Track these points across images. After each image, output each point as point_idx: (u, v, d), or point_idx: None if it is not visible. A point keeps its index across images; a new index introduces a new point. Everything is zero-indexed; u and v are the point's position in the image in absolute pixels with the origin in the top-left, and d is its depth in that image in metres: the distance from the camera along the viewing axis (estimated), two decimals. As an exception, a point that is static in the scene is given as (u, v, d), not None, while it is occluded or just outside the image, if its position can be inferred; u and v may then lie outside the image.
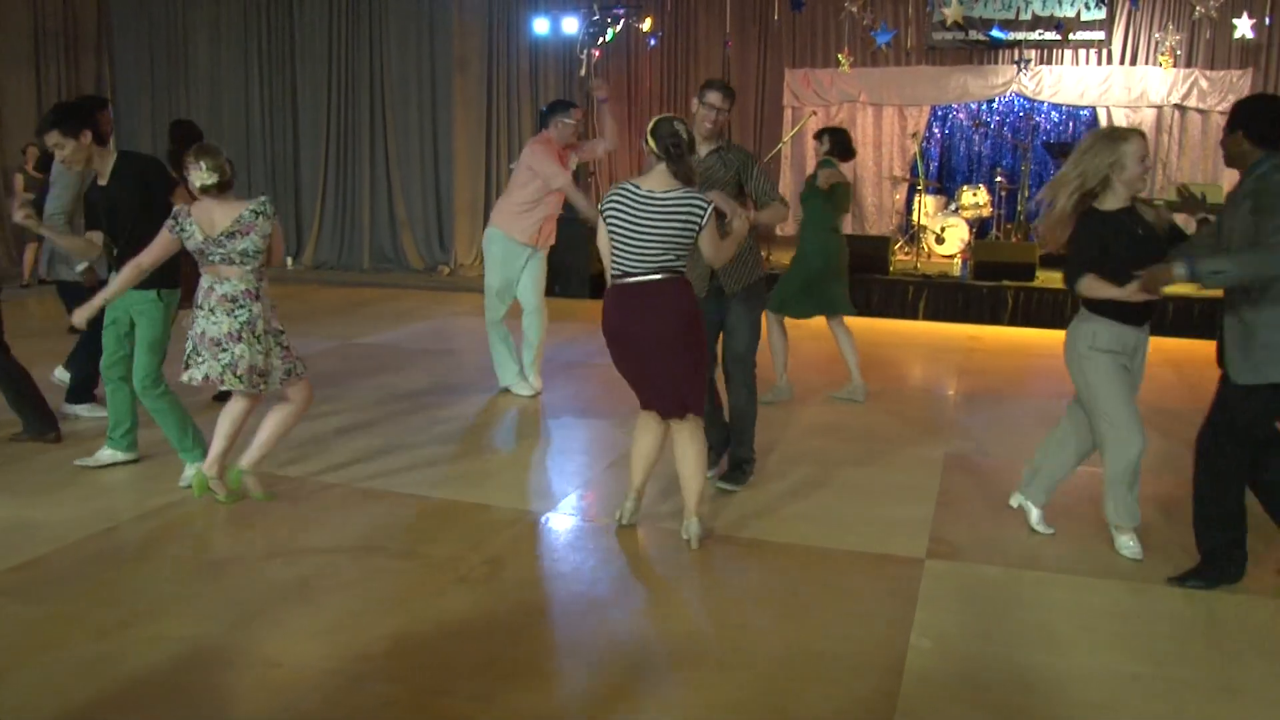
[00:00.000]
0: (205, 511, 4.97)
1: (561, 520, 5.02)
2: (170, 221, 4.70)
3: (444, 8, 13.75)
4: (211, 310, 4.68)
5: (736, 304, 5.21)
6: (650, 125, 4.45)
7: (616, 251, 4.44)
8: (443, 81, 13.94)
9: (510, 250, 7.16)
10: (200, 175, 4.60)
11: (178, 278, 5.28)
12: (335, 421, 6.52)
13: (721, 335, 5.27)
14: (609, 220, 4.43)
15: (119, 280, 4.89)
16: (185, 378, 4.76)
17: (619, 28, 12.76)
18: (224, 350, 4.67)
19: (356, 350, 8.90)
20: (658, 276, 4.39)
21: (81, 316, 4.91)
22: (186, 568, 4.31)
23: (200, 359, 4.70)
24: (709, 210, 4.37)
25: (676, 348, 4.44)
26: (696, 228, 4.37)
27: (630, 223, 4.38)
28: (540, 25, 12.69)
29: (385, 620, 3.85)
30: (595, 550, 4.70)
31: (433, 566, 4.37)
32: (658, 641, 3.79)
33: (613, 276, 4.51)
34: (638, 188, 4.42)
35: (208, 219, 4.65)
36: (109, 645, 3.62)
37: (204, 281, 4.74)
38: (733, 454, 5.46)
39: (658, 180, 4.41)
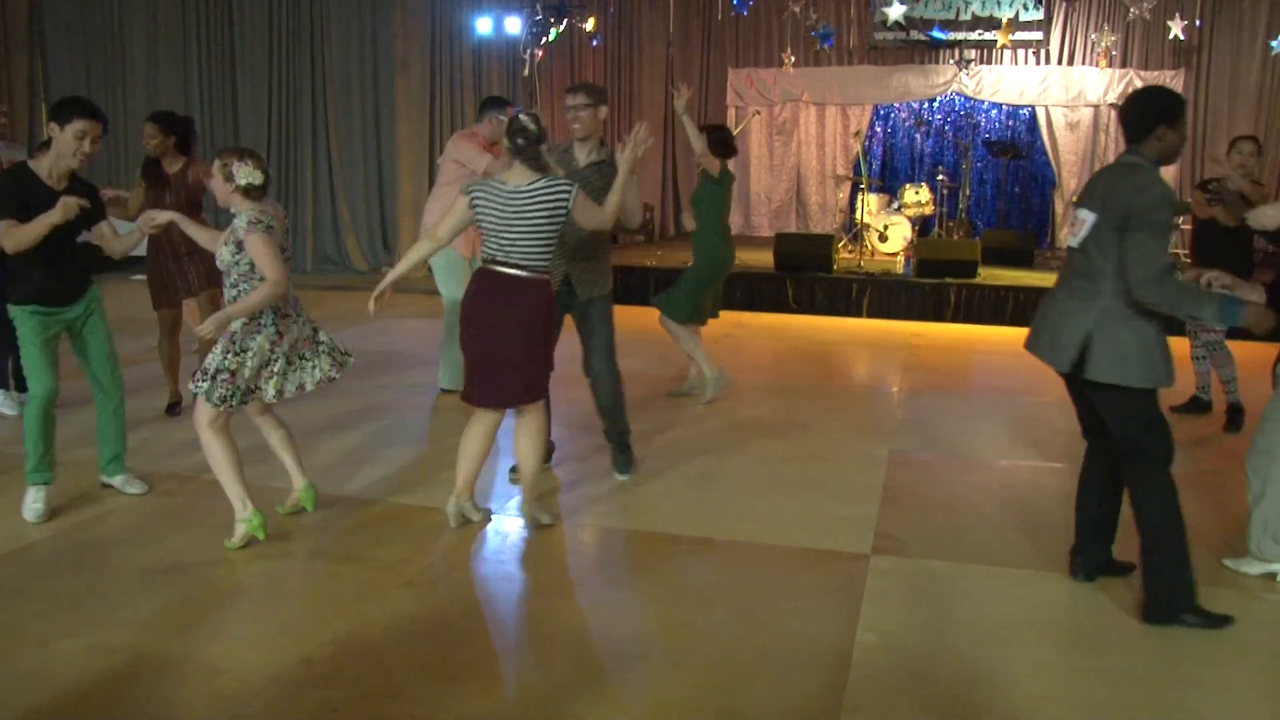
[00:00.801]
0: (145, 518, 4.89)
1: (507, 521, 4.99)
2: (258, 223, 4.35)
3: (386, 7, 13.65)
4: (299, 314, 4.62)
5: (592, 309, 5.34)
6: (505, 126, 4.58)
7: (487, 239, 4.54)
8: (385, 82, 13.83)
9: (462, 265, 7.17)
10: (248, 174, 4.39)
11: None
12: (278, 425, 6.44)
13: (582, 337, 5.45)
14: (477, 209, 4.50)
15: (255, 299, 4.40)
16: (294, 386, 4.61)
17: (562, 27, 12.74)
18: (323, 341, 4.70)
19: (300, 353, 8.80)
20: (521, 273, 4.49)
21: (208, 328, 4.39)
22: (127, 575, 4.24)
23: (310, 360, 4.64)
24: (575, 190, 4.51)
25: (531, 342, 4.58)
26: (565, 210, 4.49)
27: (498, 217, 4.46)
28: (483, 25, 12.62)
29: (330, 625, 3.81)
30: (541, 551, 4.69)
31: (378, 570, 4.33)
32: (605, 641, 3.79)
33: (483, 258, 4.58)
34: (504, 184, 4.49)
35: (275, 218, 4.51)
36: (49, 655, 3.55)
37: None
38: (611, 436, 5.62)
39: (518, 174, 4.50)
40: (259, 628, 3.80)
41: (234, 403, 4.45)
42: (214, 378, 4.40)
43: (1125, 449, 3.99)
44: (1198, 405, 7.05)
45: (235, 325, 4.41)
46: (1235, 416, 6.72)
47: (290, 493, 4.94)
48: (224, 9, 14.21)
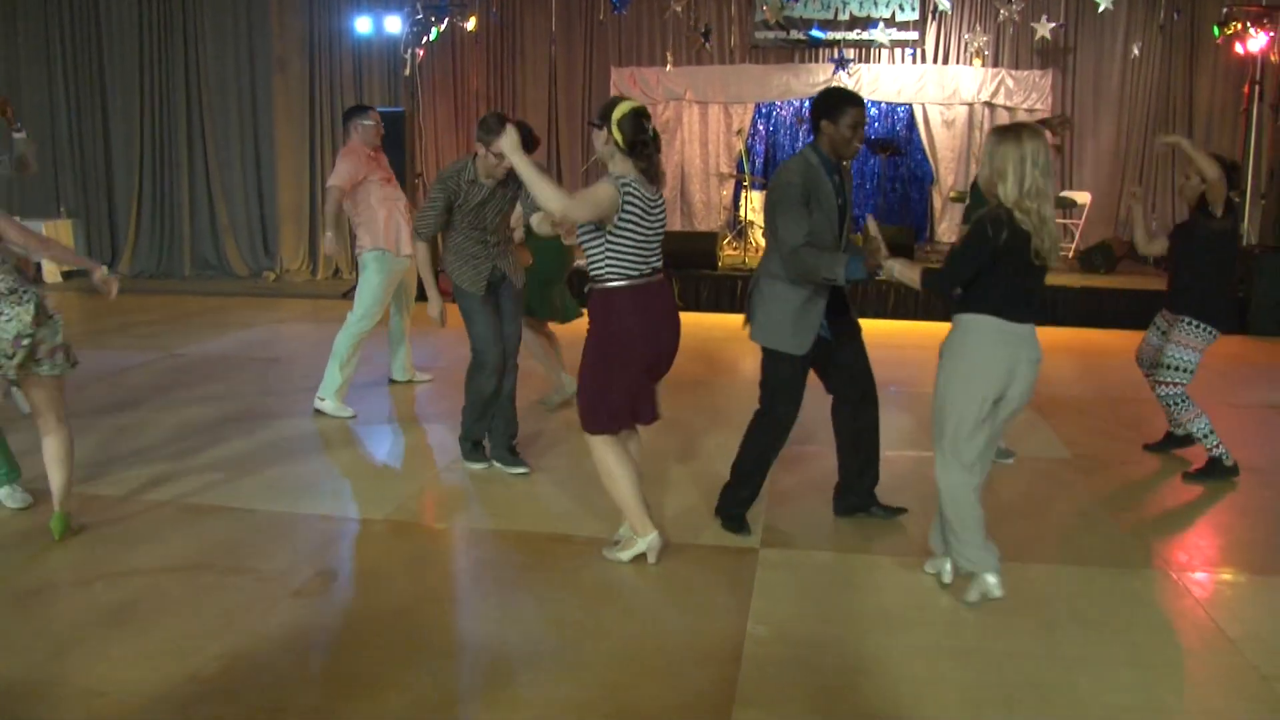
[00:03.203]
0: (15, 537, 4.71)
1: (397, 526, 4.95)
2: None
3: (261, 5, 13.37)
4: None
5: (514, 294, 5.70)
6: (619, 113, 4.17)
7: (634, 251, 4.21)
8: (262, 82, 13.54)
9: (393, 266, 6.92)
10: None
11: None
12: (157, 435, 6.28)
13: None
14: (629, 214, 4.15)
15: None
16: None
17: (443, 26, 12.63)
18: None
19: (179, 361, 8.59)
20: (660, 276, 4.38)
21: None
22: (-2, 597, 4.09)
23: None
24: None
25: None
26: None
27: (648, 227, 4.24)
28: (362, 24, 12.44)
29: (216, 640, 3.73)
30: (432, 556, 4.66)
31: (265, 581, 4.25)
32: (497, 645, 3.78)
33: (632, 274, 4.24)
34: (646, 192, 4.21)
35: None
36: (-86, 684, 3.41)
37: None
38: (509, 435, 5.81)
39: (646, 183, 4.24)
40: (141, 645, 3.69)
41: None
42: None
43: (761, 397, 4.94)
44: (1173, 441, 6.21)
45: None
46: (1209, 471, 5.70)
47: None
48: (89, 3, 13.72)
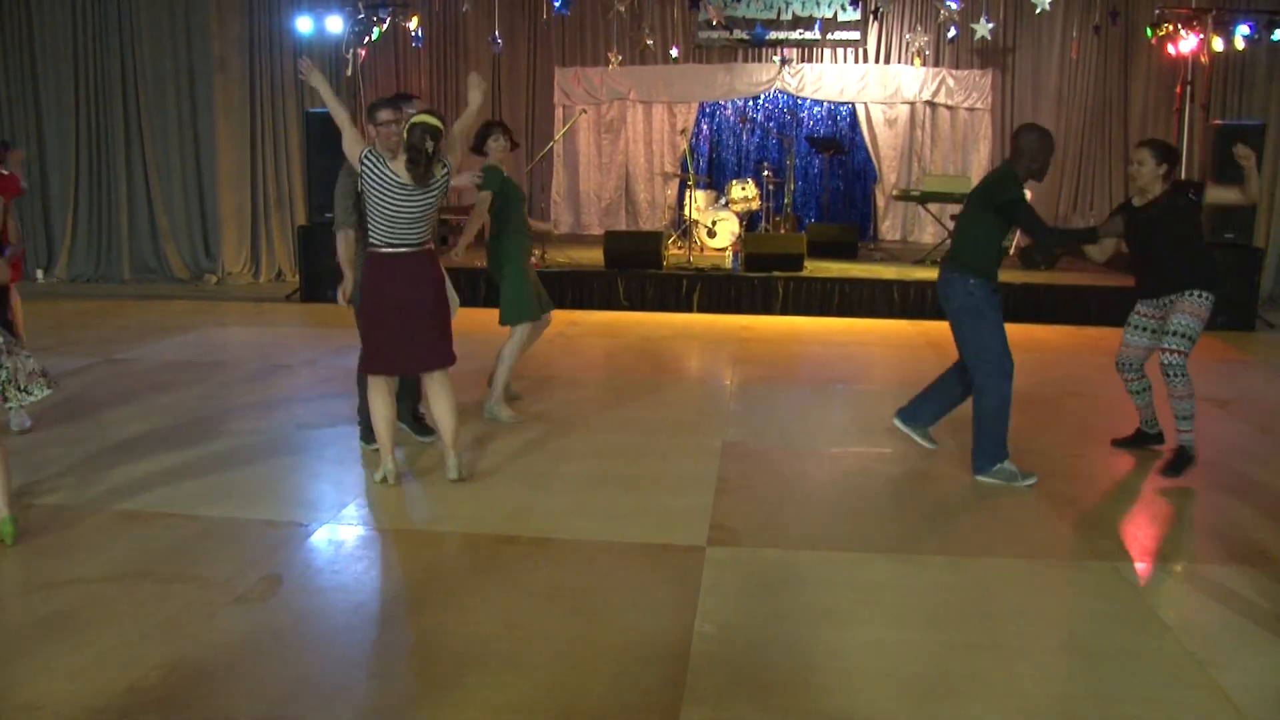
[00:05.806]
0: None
1: (343, 530, 4.90)
2: None
3: (201, 3, 13.17)
4: None
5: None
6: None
7: (382, 223, 5.07)
8: (202, 82, 13.33)
9: None
10: None
11: None
12: (97, 442, 6.17)
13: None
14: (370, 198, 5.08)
15: None
16: None
17: (385, 26, 12.54)
18: None
19: (118, 367, 8.45)
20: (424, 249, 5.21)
21: None
22: (-69, 609, 4.01)
23: None
24: (449, 165, 5.24)
25: (435, 309, 5.27)
26: (446, 186, 5.26)
27: (394, 208, 5.06)
28: (303, 24, 12.30)
29: (157, 649, 3.67)
30: (378, 559, 4.63)
31: (208, 587, 4.19)
32: (444, 647, 3.76)
33: (378, 246, 5.11)
34: (397, 176, 5.02)
35: None
36: None
37: None
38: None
39: (414, 175, 5.03)
40: (80, 657, 3.62)
41: None
42: None
43: None
44: (1143, 438, 6.25)
45: None
46: (1179, 461, 5.74)
47: None
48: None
